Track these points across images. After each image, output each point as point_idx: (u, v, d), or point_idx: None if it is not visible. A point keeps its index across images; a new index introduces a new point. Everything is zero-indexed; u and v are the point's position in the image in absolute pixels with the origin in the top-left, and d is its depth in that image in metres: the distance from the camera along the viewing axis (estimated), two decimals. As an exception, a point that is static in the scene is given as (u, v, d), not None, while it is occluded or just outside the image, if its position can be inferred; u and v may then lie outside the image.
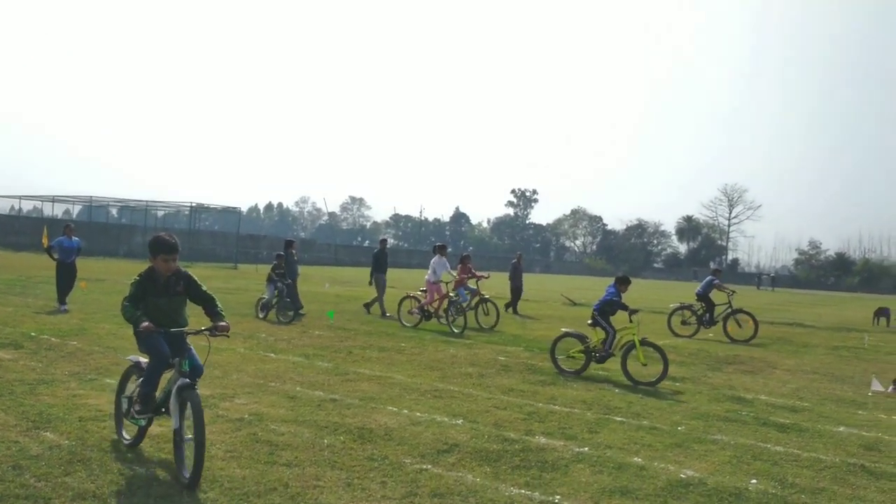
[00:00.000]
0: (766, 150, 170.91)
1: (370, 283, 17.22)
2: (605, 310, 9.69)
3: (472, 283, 15.97)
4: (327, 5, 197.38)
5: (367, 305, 17.20)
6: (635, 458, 5.64)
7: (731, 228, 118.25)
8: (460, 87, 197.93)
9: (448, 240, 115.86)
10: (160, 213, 61.23)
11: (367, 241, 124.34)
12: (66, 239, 14.42)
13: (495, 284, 22.49)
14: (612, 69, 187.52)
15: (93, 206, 55.89)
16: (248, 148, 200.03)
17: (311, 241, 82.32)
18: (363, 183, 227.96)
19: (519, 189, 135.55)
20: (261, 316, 14.33)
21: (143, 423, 5.01)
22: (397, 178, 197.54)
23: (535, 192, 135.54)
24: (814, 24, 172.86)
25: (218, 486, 4.47)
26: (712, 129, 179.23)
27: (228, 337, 4.97)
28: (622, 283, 9.87)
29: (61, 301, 13.85)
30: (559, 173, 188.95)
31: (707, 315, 15.73)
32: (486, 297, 15.63)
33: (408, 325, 14.40)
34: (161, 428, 5.40)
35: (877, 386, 9.67)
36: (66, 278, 14.08)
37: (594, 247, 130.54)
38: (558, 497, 4.67)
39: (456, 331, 13.60)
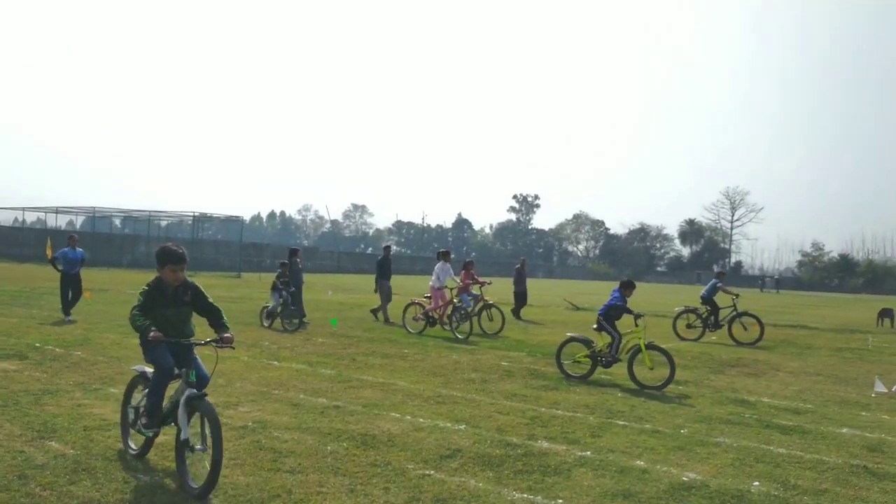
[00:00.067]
0: (767, 152, 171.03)
1: (375, 291, 17.27)
2: (611, 314, 9.69)
3: (475, 289, 16.00)
4: (328, 15, 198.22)
5: (375, 311, 17.22)
6: (638, 462, 5.65)
7: (734, 231, 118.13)
8: (460, 92, 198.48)
9: (451, 246, 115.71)
10: (163, 223, 61.40)
11: (369, 249, 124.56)
12: (71, 250, 14.50)
13: (498, 290, 22.51)
14: (613, 70, 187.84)
15: (96, 217, 56.06)
16: (251, 157, 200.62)
17: (314, 248, 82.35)
18: (365, 190, 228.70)
19: (521, 194, 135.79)
20: (266, 324, 14.36)
21: (150, 434, 5.03)
22: (399, 185, 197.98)
23: (536, 197, 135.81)
24: (814, 24, 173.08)
25: (222, 494, 4.50)
26: (713, 131, 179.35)
27: (234, 349, 5.00)
28: (627, 287, 9.88)
29: (66, 312, 13.91)
30: (560, 174, 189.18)
31: (712, 318, 15.73)
32: (491, 302, 15.64)
33: (413, 331, 14.42)
34: (165, 437, 5.43)
35: (880, 387, 9.66)
36: (70, 289, 14.15)
37: (597, 251, 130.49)
38: (560, 501, 4.69)
39: (460, 337, 13.62)
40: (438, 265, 15.38)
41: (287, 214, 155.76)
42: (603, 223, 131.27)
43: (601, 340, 9.68)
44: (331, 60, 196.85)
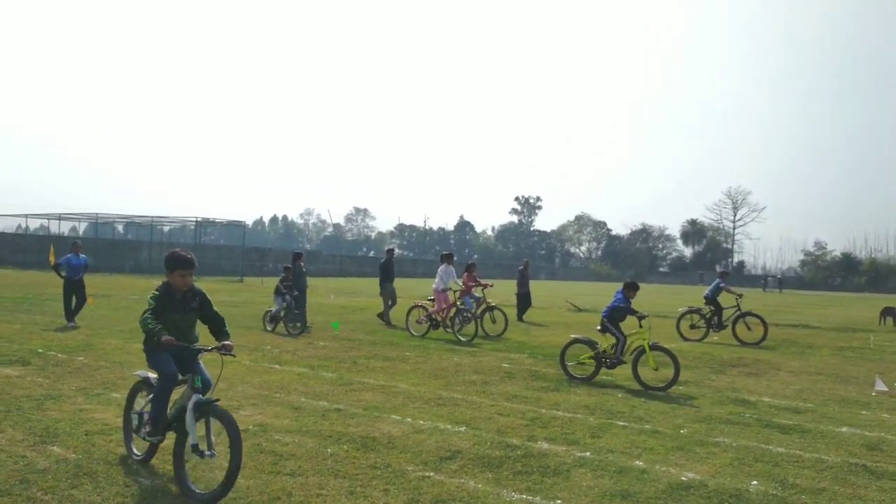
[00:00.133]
0: (769, 152, 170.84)
1: (381, 294, 17.31)
2: (614, 316, 9.69)
3: (477, 292, 16.01)
4: (329, 19, 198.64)
5: (381, 316, 17.19)
6: (637, 462, 5.67)
7: (736, 231, 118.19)
8: (461, 96, 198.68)
9: (453, 248, 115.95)
10: (166, 229, 61.58)
11: (371, 252, 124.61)
12: (74, 256, 14.55)
13: (501, 292, 22.55)
14: (613, 70, 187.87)
15: (99, 223, 56.20)
16: (253, 161, 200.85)
17: (317, 252, 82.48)
18: (367, 194, 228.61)
19: (522, 196, 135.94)
20: (269, 329, 14.39)
21: (154, 441, 5.03)
22: (401, 188, 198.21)
23: (538, 198, 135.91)
24: (816, 24, 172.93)
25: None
26: (715, 130, 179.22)
27: (234, 356, 5.03)
28: (630, 288, 9.88)
29: (68, 318, 13.96)
30: (561, 175, 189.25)
31: (716, 318, 15.74)
32: (494, 304, 15.65)
33: (416, 334, 14.44)
34: (166, 440, 5.46)
35: (881, 386, 9.66)
36: (74, 295, 14.21)
37: (599, 252, 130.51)
38: (559, 501, 4.71)
39: (463, 339, 13.64)
40: (442, 267, 15.40)
41: (289, 218, 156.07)
42: (605, 224, 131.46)
43: (605, 342, 9.69)
44: (332, 64, 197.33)
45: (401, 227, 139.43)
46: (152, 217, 54.59)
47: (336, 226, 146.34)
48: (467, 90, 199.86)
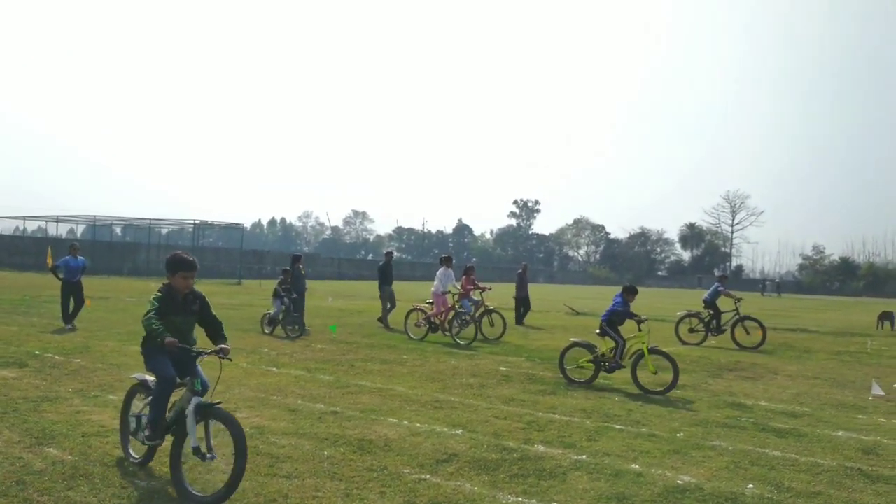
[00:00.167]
0: (769, 155, 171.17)
1: (380, 297, 17.30)
2: (613, 320, 9.70)
3: (476, 295, 16.02)
4: (328, 21, 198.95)
5: (381, 319, 17.14)
6: (633, 465, 5.68)
7: (735, 235, 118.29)
8: (459, 98, 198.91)
9: (451, 251, 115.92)
10: (164, 231, 61.55)
11: (370, 255, 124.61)
12: (72, 258, 14.56)
13: (499, 295, 22.54)
14: (612, 71, 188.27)
15: (97, 225, 56.18)
16: (251, 164, 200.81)
17: (315, 255, 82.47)
18: (366, 197, 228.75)
19: (521, 199, 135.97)
20: (267, 331, 14.39)
21: (153, 444, 5.01)
22: (400, 191, 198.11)
23: (537, 202, 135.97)
24: (815, 26, 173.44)
25: (218, 499, 4.52)
26: (713, 134, 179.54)
27: (231, 360, 5.03)
28: (629, 292, 9.88)
29: (66, 320, 13.95)
30: (560, 178, 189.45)
31: (714, 322, 15.76)
32: (492, 308, 15.66)
33: (414, 337, 14.44)
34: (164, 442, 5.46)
35: (877, 390, 9.68)
36: (72, 298, 14.20)
37: (597, 256, 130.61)
38: (555, 504, 4.72)
39: (462, 343, 13.64)
40: (441, 270, 15.41)
41: (288, 221, 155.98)
42: (603, 227, 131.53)
43: (604, 345, 9.69)
44: (331, 66, 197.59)
45: (399, 230, 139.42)
46: (150, 219, 54.61)
47: (334, 228, 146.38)
48: (465, 93, 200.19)
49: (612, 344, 9.59)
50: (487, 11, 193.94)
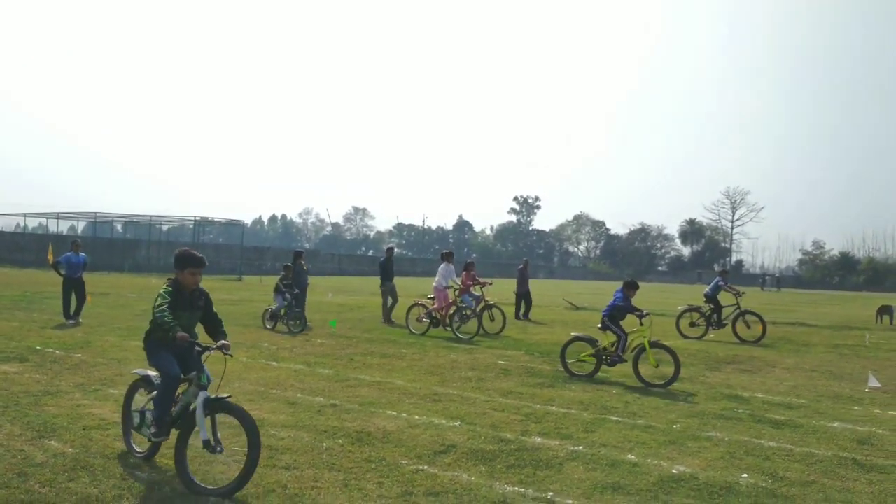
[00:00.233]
0: (768, 151, 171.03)
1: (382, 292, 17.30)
2: (614, 315, 9.74)
3: (476, 290, 16.05)
4: (329, 18, 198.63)
5: (387, 316, 17.10)
6: (629, 456, 5.73)
7: (735, 230, 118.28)
8: (460, 94, 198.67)
9: (452, 247, 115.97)
10: (164, 228, 61.51)
11: (370, 251, 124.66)
12: (74, 254, 14.60)
13: (500, 291, 22.57)
14: (611, 68, 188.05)
15: (97, 222, 56.21)
16: (252, 160, 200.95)
17: (315, 251, 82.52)
18: (366, 193, 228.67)
19: (521, 196, 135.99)
20: (268, 327, 14.42)
21: (159, 441, 5.02)
22: (400, 188, 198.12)
23: (537, 198, 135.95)
24: (814, 22, 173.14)
25: (218, 489, 4.57)
26: (713, 130, 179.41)
27: (232, 356, 5.07)
28: (630, 287, 9.91)
29: (67, 316, 14.01)
30: (560, 175, 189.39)
31: (715, 316, 15.79)
32: (492, 303, 15.70)
33: (416, 332, 14.48)
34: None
35: (874, 382, 9.73)
36: (74, 293, 14.27)
37: (598, 251, 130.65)
38: (551, 493, 4.77)
39: (464, 337, 13.69)
40: (442, 266, 15.44)
41: (288, 217, 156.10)
42: (603, 223, 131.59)
43: (606, 339, 9.74)
44: (331, 63, 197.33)
45: (399, 227, 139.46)
46: (151, 216, 54.64)
47: (335, 225, 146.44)
48: (465, 89, 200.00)
49: (614, 338, 9.62)
50: (486, 10, 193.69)
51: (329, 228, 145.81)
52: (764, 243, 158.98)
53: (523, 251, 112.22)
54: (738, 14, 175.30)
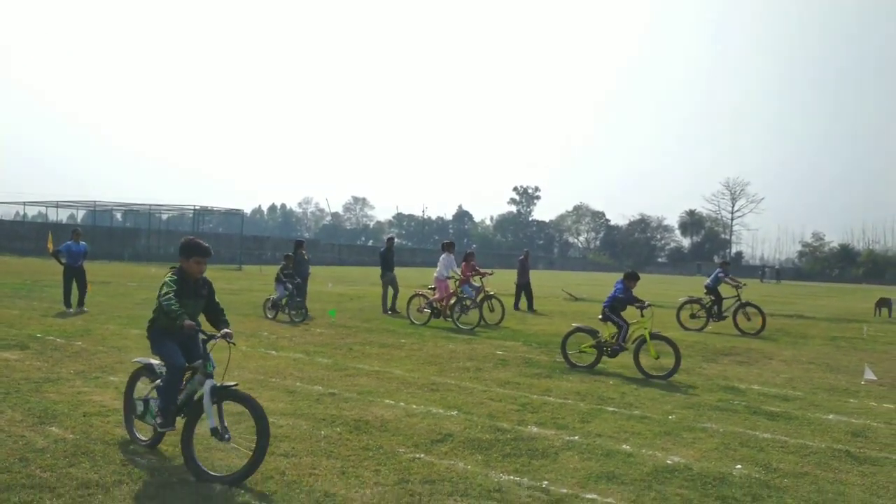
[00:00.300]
0: (767, 143, 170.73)
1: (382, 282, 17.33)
2: (615, 306, 9.77)
3: (476, 281, 16.08)
4: (330, 11, 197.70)
5: (391, 307, 17.10)
6: (624, 446, 5.78)
7: (735, 222, 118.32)
8: (461, 85, 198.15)
9: (452, 238, 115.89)
10: (164, 217, 61.55)
11: (370, 241, 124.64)
12: (74, 243, 14.64)
13: (500, 281, 22.61)
14: (611, 67, 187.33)
15: (97, 211, 56.21)
16: (252, 150, 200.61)
17: (315, 241, 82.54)
18: (366, 183, 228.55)
19: (521, 186, 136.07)
20: (269, 316, 14.46)
21: (166, 430, 5.02)
22: (400, 178, 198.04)
23: (537, 189, 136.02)
24: (812, 15, 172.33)
25: (217, 476, 4.62)
26: (713, 122, 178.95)
27: (234, 344, 5.10)
28: (630, 278, 9.93)
29: (67, 304, 14.06)
30: (560, 166, 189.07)
31: (716, 308, 15.83)
32: (492, 293, 15.74)
33: (417, 322, 14.51)
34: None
35: (869, 375, 9.78)
36: (76, 282, 14.32)
37: (597, 242, 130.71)
38: (546, 482, 4.82)
39: (465, 328, 13.74)
40: (443, 256, 15.46)
41: (288, 207, 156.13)
42: (603, 214, 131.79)
43: (606, 330, 9.77)
44: (332, 54, 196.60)
45: (399, 217, 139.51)
46: (150, 205, 54.64)
47: (335, 215, 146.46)
48: (465, 79, 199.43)
49: (615, 329, 9.66)
50: (486, 7, 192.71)
51: (329, 218, 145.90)
52: (764, 235, 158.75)
53: (523, 242, 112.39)
54: (734, 11, 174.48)
